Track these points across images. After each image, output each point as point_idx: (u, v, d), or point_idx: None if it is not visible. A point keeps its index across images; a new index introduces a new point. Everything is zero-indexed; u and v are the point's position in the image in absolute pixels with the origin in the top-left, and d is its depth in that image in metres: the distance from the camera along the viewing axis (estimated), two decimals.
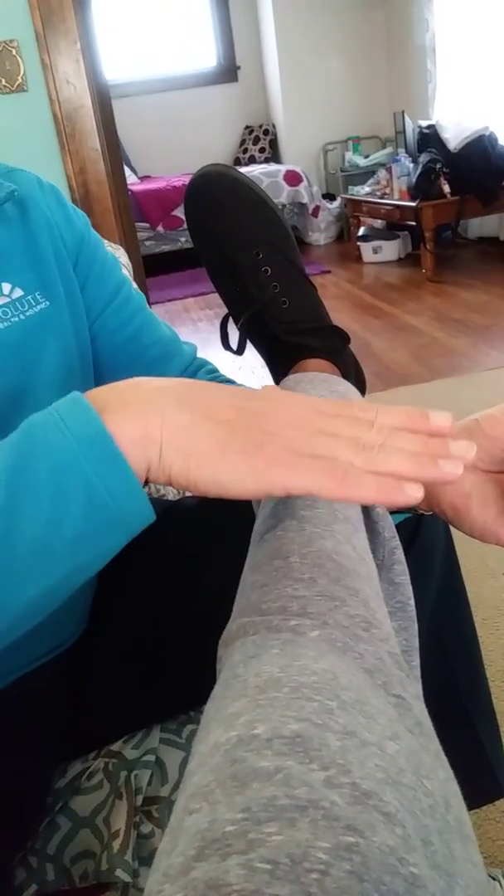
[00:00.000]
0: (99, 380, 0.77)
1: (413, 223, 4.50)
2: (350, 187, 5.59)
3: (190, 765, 0.33)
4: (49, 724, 0.73)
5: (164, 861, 0.28)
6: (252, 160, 6.37)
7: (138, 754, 0.74)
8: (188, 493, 0.69)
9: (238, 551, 0.51)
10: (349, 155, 6.09)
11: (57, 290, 0.71)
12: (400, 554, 0.56)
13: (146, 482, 0.42)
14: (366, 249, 5.22)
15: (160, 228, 5.57)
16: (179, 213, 5.35)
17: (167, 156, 6.22)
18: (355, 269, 5.14)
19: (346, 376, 0.77)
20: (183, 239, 5.51)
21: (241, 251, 0.79)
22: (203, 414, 0.42)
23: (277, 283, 0.79)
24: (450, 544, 0.82)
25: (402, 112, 4.73)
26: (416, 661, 0.50)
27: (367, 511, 0.56)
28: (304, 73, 6.01)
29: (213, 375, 0.85)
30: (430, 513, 0.59)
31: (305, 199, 5.80)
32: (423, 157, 4.31)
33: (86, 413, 0.40)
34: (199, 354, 0.87)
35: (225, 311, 0.85)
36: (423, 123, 4.55)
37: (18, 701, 0.69)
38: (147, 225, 5.51)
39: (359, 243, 5.30)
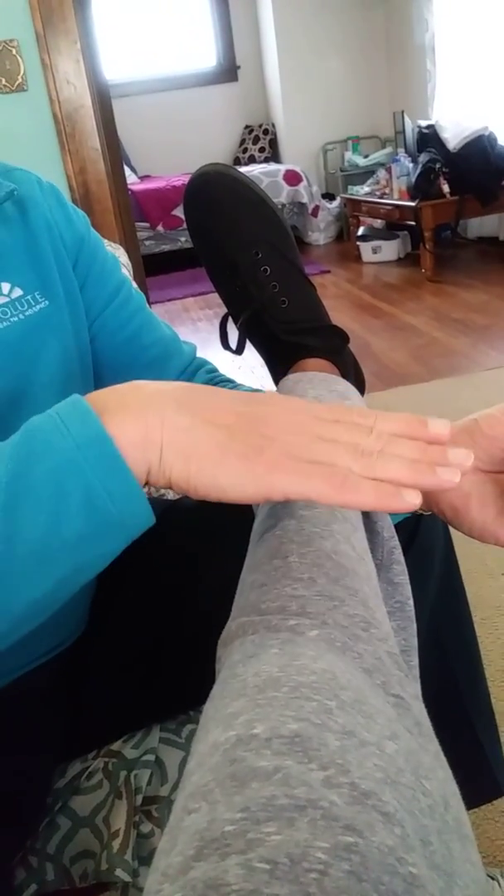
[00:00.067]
0: (98, 379, 0.77)
1: (412, 223, 4.50)
2: (349, 187, 5.59)
3: (189, 764, 0.33)
4: (48, 724, 0.73)
5: (164, 861, 0.28)
6: (252, 160, 6.37)
7: (138, 754, 0.74)
8: None
9: (237, 551, 0.52)
10: (349, 155, 6.09)
11: (56, 289, 0.71)
12: (399, 554, 0.56)
13: (146, 485, 0.42)
14: (365, 249, 5.22)
15: (160, 228, 5.57)
16: (179, 212, 5.35)
17: (167, 155, 6.22)
18: (355, 268, 5.14)
19: (345, 376, 0.77)
20: (183, 238, 5.51)
21: (240, 251, 0.79)
22: (203, 417, 0.42)
23: (277, 282, 0.79)
24: (449, 544, 0.82)
25: (402, 112, 4.73)
26: (415, 661, 0.50)
27: (366, 511, 0.56)
28: (303, 72, 6.01)
29: (213, 375, 0.85)
30: (430, 513, 0.59)
31: (305, 199, 5.80)
32: (423, 157, 4.31)
33: (86, 415, 0.40)
34: (199, 354, 0.87)
35: (224, 310, 0.85)
36: (423, 123, 4.55)
37: (18, 700, 0.69)
38: (147, 224, 5.51)
39: (358, 243, 5.30)
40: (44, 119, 2.01)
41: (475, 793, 0.88)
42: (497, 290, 4.01)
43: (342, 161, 6.17)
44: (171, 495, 1.05)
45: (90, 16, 2.16)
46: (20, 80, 1.96)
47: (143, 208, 5.48)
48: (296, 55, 5.95)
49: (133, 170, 6.02)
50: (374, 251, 5.17)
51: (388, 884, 0.25)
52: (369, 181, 5.27)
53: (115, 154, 2.34)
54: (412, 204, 4.33)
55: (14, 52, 1.93)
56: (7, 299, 0.67)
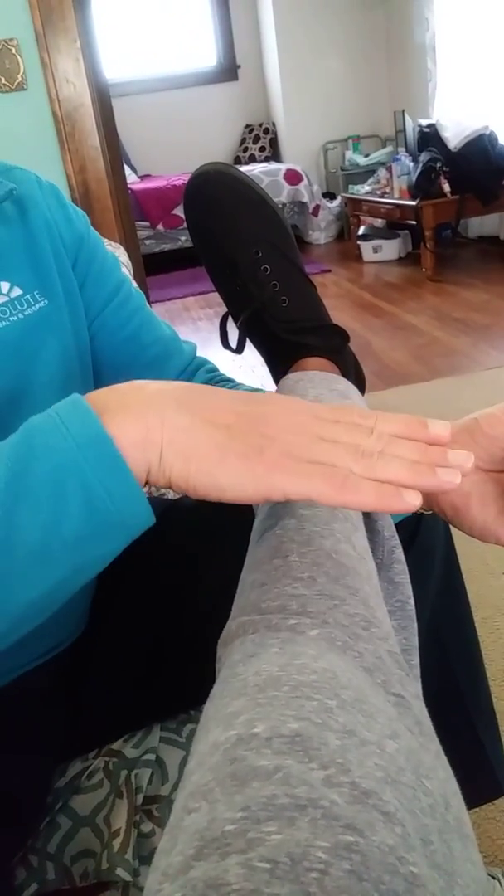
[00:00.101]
0: (98, 379, 0.77)
1: (413, 222, 4.50)
2: (350, 186, 5.59)
3: (189, 764, 0.33)
4: (49, 724, 0.73)
5: (164, 860, 0.28)
6: (252, 159, 6.37)
7: (138, 753, 0.74)
8: None
9: (237, 550, 0.52)
10: (349, 154, 6.09)
11: (56, 289, 0.71)
12: (399, 553, 0.56)
13: (145, 485, 0.42)
14: (366, 248, 5.21)
15: (160, 227, 5.56)
16: (179, 211, 5.35)
17: (167, 155, 6.22)
18: (355, 268, 5.14)
19: (345, 375, 0.76)
20: (183, 238, 5.51)
21: (240, 250, 0.79)
22: (203, 417, 0.42)
23: (277, 281, 0.79)
24: (450, 543, 0.82)
25: (403, 111, 4.73)
26: (416, 660, 0.50)
27: (366, 511, 0.56)
28: (304, 71, 6.01)
29: (213, 374, 0.85)
30: (430, 512, 0.59)
31: (305, 198, 5.80)
32: (424, 156, 4.31)
33: (86, 415, 0.40)
34: (199, 353, 0.87)
35: (225, 309, 0.85)
36: (424, 122, 4.55)
37: (18, 700, 0.69)
38: (147, 224, 5.51)
39: (359, 242, 5.30)
40: (43, 118, 2.01)
41: (476, 792, 0.88)
42: (498, 290, 4.01)
43: (343, 160, 6.17)
44: (171, 495, 1.05)
45: (90, 15, 2.16)
46: (20, 79, 1.96)
47: (143, 207, 5.48)
48: (296, 54, 5.95)
49: (133, 169, 6.02)
50: (375, 250, 5.17)
51: (388, 883, 0.25)
52: (370, 180, 5.27)
53: (114, 153, 2.34)
54: (413, 203, 4.33)
55: (14, 50, 1.93)
56: (6, 298, 0.67)
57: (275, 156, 6.44)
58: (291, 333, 0.78)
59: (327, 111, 6.15)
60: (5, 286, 0.67)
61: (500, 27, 4.53)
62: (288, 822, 0.26)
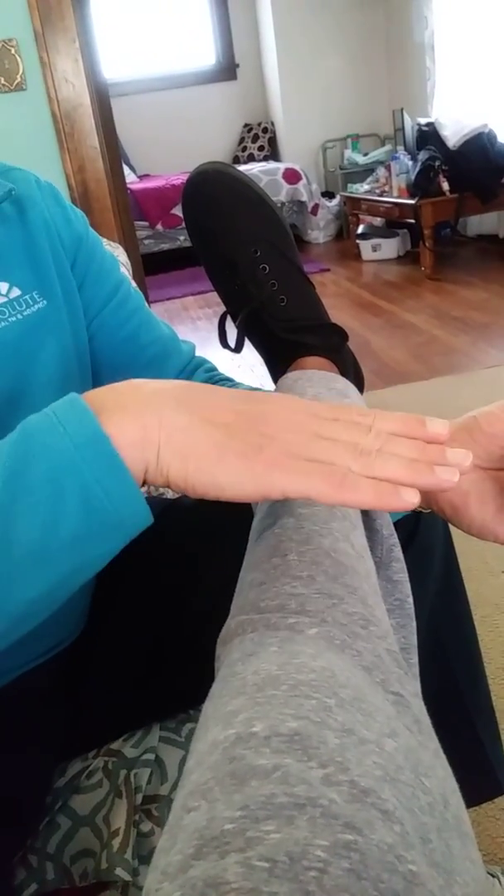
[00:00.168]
0: (97, 379, 0.77)
1: (412, 221, 4.50)
2: (349, 185, 5.59)
3: (188, 763, 0.33)
4: (48, 723, 0.73)
5: (163, 859, 0.28)
6: (251, 158, 6.37)
7: (138, 753, 0.74)
8: None
9: (236, 549, 0.52)
10: (348, 153, 6.09)
11: (54, 289, 0.70)
12: (398, 551, 0.56)
13: (143, 484, 0.42)
14: (365, 247, 5.21)
15: (159, 227, 5.56)
16: (178, 211, 5.34)
17: (166, 154, 6.22)
18: (354, 267, 5.14)
19: (344, 374, 0.77)
20: (182, 237, 5.51)
21: (239, 249, 0.79)
22: (201, 416, 0.41)
23: (276, 280, 0.79)
24: (449, 542, 0.82)
25: (402, 109, 4.73)
26: (415, 659, 0.50)
27: (365, 509, 0.56)
28: (302, 70, 6.00)
29: (212, 374, 0.85)
30: (429, 511, 0.59)
31: (304, 197, 5.79)
32: (423, 155, 4.30)
33: (83, 415, 0.40)
34: (198, 352, 0.87)
35: (223, 309, 0.84)
36: (423, 121, 4.55)
37: (17, 700, 0.69)
38: (146, 223, 5.51)
39: (358, 241, 5.30)
40: (42, 118, 2.01)
41: (475, 790, 0.88)
42: (497, 288, 4.01)
43: (342, 159, 6.17)
44: (170, 494, 1.05)
45: (89, 14, 2.16)
46: (19, 79, 1.96)
47: (143, 207, 5.48)
48: (295, 53, 5.94)
49: (132, 168, 6.01)
50: (374, 249, 5.17)
51: (387, 881, 0.25)
52: (369, 179, 5.27)
53: (113, 153, 2.34)
54: (412, 202, 4.33)
55: (13, 51, 1.93)
56: (5, 299, 0.67)
57: (273, 155, 6.44)
58: (290, 332, 0.78)
59: (326, 110, 6.15)
60: (4, 287, 0.67)
61: (499, 26, 4.53)
62: (287, 820, 0.26)
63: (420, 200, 4.26)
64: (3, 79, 1.95)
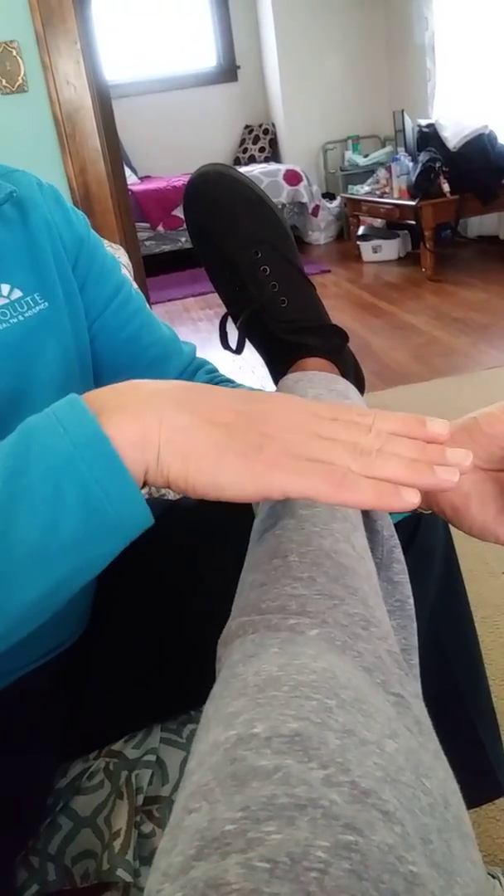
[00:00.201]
0: (98, 380, 0.77)
1: (413, 222, 4.50)
2: (350, 186, 5.59)
3: (189, 764, 0.33)
4: (49, 724, 0.73)
5: (164, 860, 0.28)
6: (252, 160, 6.37)
7: (139, 754, 0.74)
8: None
9: (237, 551, 0.52)
10: (349, 154, 6.09)
11: (56, 291, 0.71)
12: (399, 552, 0.56)
13: (144, 485, 0.42)
14: (365, 248, 5.21)
15: (160, 228, 5.57)
16: (179, 212, 5.35)
17: (167, 156, 6.22)
18: (355, 268, 5.14)
19: (345, 375, 0.77)
20: (183, 239, 5.51)
21: (239, 250, 0.79)
22: (201, 416, 0.41)
23: (276, 282, 0.79)
24: (449, 543, 0.82)
25: (402, 111, 4.73)
26: (416, 660, 0.50)
27: (365, 510, 0.56)
28: (303, 72, 6.01)
29: (213, 375, 0.85)
30: (429, 512, 0.59)
31: (305, 199, 5.80)
32: (423, 156, 4.31)
33: (83, 415, 0.40)
34: (199, 354, 0.87)
35: (224, 310, 0.85)
36: (423, 122, 4.55)
37: (19, 701, 0.69)
38: (147, 225, 5.51)
39: (358, 242, 5.30)
40: (44, 120, 2.01)
41: (476, 792, 0.88)
42: (497, 289, 4.01)
43: (342, 160, 6.17)
44: (171, 495, 1.05)
45: (90, 16, 2.16)
46: (20, 81, 1.96)
47: (144, 209, 5.48)
48: (295, 55, 5.95)
49: (133, 170, 6.02)
50: (375, 250, 5.17)
51: (388, 882, 0.25)
52: (369, 180, 5.27)
53: (115, 155, 2.35)
54: (412, 203, 4.33)
55: (14, 53, 1.94)
56: (7, 301, 0.67)
57: (274, 156, 6.44)
58: (291, 334, 0.78)
59: (327, 111, 6.15)
60: (6, 288, 0.67)
61: (500, 27, 4.53)
62: (288, 821, 0.26)
63: (420, 202, 4.26)
64: (4, 81, 1.96)
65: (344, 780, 0.28)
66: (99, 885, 0.67)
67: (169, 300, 4.85)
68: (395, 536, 0.57)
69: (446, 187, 4.24)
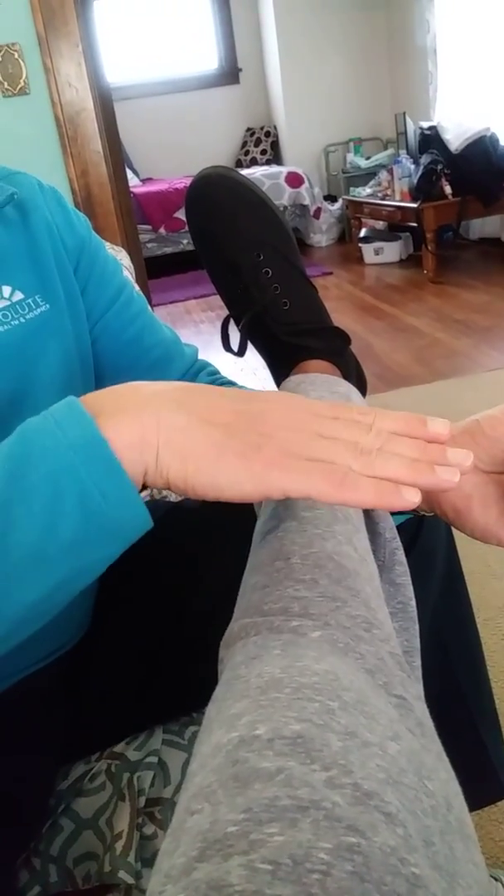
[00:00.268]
0: (100, 382, 0.77)
1: (414, 224, 4.50)
2: (351, 189, 5.59)
3: (192, 766, 0.33)
4: (51, 726, 0.73)
5: (166, 862, 0.28)
6: (253, 162, 6.38)
7: (141, 756, 0.74)
8: None
9: (239, 552, 0.51)
10: (350, 156, 6.10)
11: (57, 293, 0.71)
12: (401, 555, 0.56)
13: (144, 487, 0.42)
14: (367, 251, 5.22)
15: (162, 230, 5.57)
16: (181, 215, 5.35)
17: (169, 158, 6.23)
18: (357, 270, 5.14)
19: (347, 377, 0.77)
20: (185, 241, 5.52)
21: (241, 253, 0.79)
22: (199, 417, 0.41)
23: (278, 284, 0.79)
24: (451, 545, 0.82)
25: (404, 113, 4.74)
26: (418, 662, 0.50)
27: (367, 512, 0.56)
28: (305, 74, 6.02)
29: (215, 377, 0.85)
30: (432, 514, 0.59)
31: (307, 201, 5.80)
32: (425, 159, 4.31)
33: (81, 418, 0.40)
34: (201, 356, 0.87)
35: (226, 312, 0.85)
36: (425, 125, 4.56)
37: (20, 703, 0.69)
38: (149, 227, 5.52)
39: (360, 245, 5.30)
40: (46, 122, 2.02)
41: (478, 794, 0.88)
42: (499, 291, 4.01)
43: (344, 163, 6.18)
44: (173, 497, 1.05)
45: (92, 19, 2.16)
46: (22, 83, 1.97)
47: (145, 211, 5.49)
48: (297, 57, 5.95)
49: (135, 172, 6.02)
50: (376, 253, 5.17)
51: (390, 884, 0.25)
52: (371, 183, 5.28)
53: (116, 157, 2.35)
54: (414, 205, 4.33)
55: (16, 55, 1.94)
56: (8, 303, 0.67)
57: (276, 159, 6.45)
58: (293, 336, 0.78)
59: (328, 114, 6.16)
60: (7, 290, 0.67)
61: (501, 29, 4.53)
62: (290, 823, 0.26)
63: (422, 204, 4.27)
64: (6, 83, 1.96)
65: (346, 781, 0.28)
66: (101, 887, 0.67)
67: (171, 302, 4.85)
68: (398, 538, 0.57)
69: (448, 189, 4.24)
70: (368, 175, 5.60)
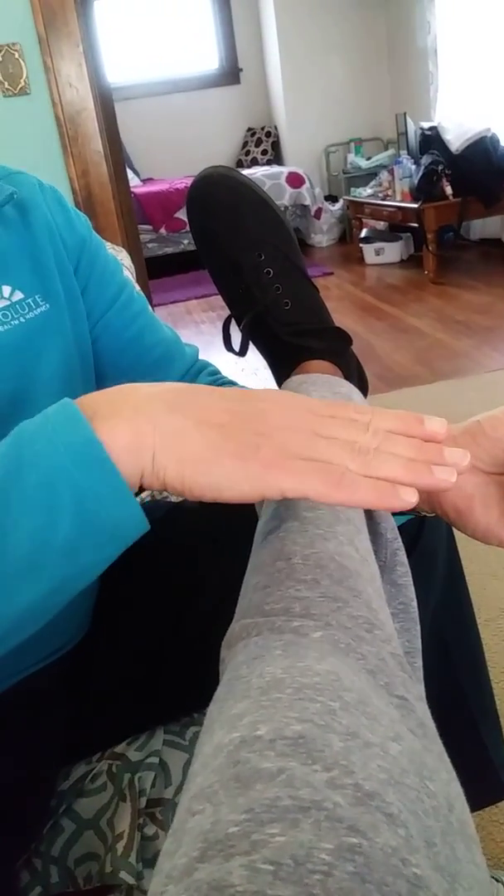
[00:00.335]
0: (100, 382, 0.77)
1: (415, 225, 4.50)
2: (352, 189, 5.60)
3: (193, 766, 0.33)
4: (52, 727, 0.73)
5: (168, 862, 0.28)
6: (254, 162, 6.38)
7: (142, 756, 0.74)
8: None
9: (241, 553, 0.51)
10: (351, 157, 6.10)
11: (57, 292, 0.71)
12: (402, 555, 0.56)
13: (141, 489, 0.42)
14: (368, 251, 5.22)
15: (163, 230, 5.57)
16: (182, 215, 5.36)
17: (170, 158, 6.23)
18: (358, 270, 5.14)
19: (348, 378, 0.77)
20: (186, 241, 5.52)
21: (243, 253, 0.79)
22: (195, 418, 0.41)
23: (280, 284, 0.79)
24: (452, 546, 0.82)
25: (404, 114, 4.74)
26: (419, 663, 0.50)
27: (369, 512, 0.56)
28: (305, 75, 6.02)
29: (215, 377, 0.85)
30: (433, 514, 0.59)
31: (308, 201, 5.80)
32: (426, 159, 4.31)
33: (75, 420, 0.40)
34: (202, 356, 0.87)
35: (227, 312, 0.85)
36: (425, 125, 4.56)
37: (21, 703, 0.69)
38: (150, 227, 5.52)
39: (361, 245, 5.30)
40: (46, 122, 2.02)
41: (480, 794, 0.87)
42: (500, 292, 4.01)
43: (345, 163, 6.18)
44: (173, 497, 1.05)
45: (92, 18, 2.16)
46: (23, 83, 1.97)
47: (146, 211, 5.49)
48: (298, 57, 5.96)
49: (136, 172, 6.03)
50: (377, 253, 5.17)
51: (392, 885, 0.25)
52: (372, 183, 5.28)
53: (117, 157, 2.35)
54: (415, 206, 4.33)
55: (17, 55, 1.94)
56: (8, 302, 0.67)
57: (277, 159, 6.45)
58: (294, 336, 0.78)
59: (329, 114, 6.16)
60: (7, 290, 0.67)
61: (502, 29, 4.53)
62: (291, 823, 0.26)
63: (423, 204, 4.27)
64: (6, 83, 1.96)
65: (348, 782, 0.28)
66: (102, 888, 0.67)
67: (172, 302, 4.85)
68: (399, 539, 0.57)
69: (449, 190, 4.24)
70: (369, 175, 5.60)
